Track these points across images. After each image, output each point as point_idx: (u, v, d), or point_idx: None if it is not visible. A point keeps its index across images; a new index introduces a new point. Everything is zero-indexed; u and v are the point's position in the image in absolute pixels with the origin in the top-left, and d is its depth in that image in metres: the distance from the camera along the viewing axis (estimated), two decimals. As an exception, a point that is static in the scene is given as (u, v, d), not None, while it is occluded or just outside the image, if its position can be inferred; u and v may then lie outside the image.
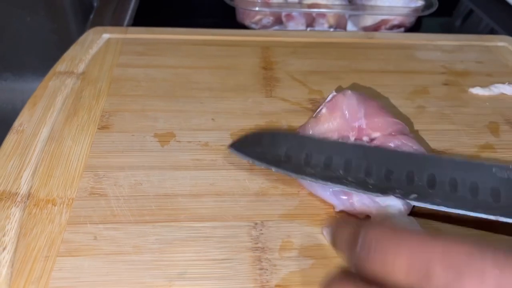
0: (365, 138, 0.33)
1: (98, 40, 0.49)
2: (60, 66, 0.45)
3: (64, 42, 0.65)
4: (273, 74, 0.46)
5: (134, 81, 0.43)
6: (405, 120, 0.40)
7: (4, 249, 0.28)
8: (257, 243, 0.29)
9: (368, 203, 0.30)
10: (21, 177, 0.33)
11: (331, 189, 0.31)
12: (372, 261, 0.20)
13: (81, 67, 0.45)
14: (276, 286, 0.27)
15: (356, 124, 0.33)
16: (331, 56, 0.49)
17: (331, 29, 0.57)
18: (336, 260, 0.28)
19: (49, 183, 0.33)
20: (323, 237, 0.30)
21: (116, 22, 0.58)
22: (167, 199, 0.32)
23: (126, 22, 0.58)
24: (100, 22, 0.58)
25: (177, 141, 0.37)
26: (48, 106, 0.40)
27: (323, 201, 0.32)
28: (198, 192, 0.33)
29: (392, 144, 0.32)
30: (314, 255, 0.29)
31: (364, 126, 0.33)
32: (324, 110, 0.32)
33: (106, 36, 0.50)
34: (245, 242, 0.29)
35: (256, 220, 0.31)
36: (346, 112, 0.32)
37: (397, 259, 0.19)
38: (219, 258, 0.28)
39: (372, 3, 0.57)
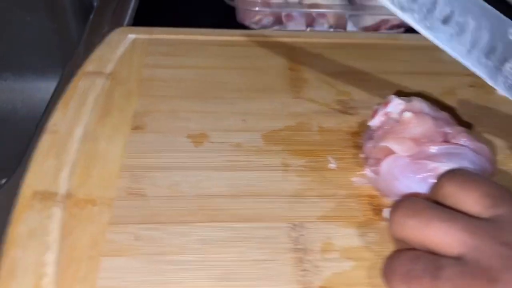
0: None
1: (124, 41, 0.49)
2: (89, 66, 0.45)
3: (64, 42, 0.68)
4: (300, 75, 0.46)
5: (163, 81, 0.44)
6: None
7: (48, 248, 0.29)
8: (298, 244, 0.30)
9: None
10: (59, 177, 0.33)
11: (421, 175, 0.31)
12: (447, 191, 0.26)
13: (109, 67, 0.45)
14: (320, 287, 0.27)
15: (442, 130, 0.33)
16: (357, 57, 0.49)
17: (331, 29, 0.57)
18: (377, 262, 0.29)
19: (87, 183, 0.33)
20: (363, 239, 0.30)
21: (116, 22, 0.57)
22: (206, 200, 0.32)
23: (126, 22, 0.57)
24: (100, 22, 0.58)
25: (210, 142, 0.37)
26: (80, 106, 0.40)
27: (360, 202, 0.32)
28: (235, 193, 0.33)
29: (470, 146, 0.32)
30: (355, 256, 0.29)
31: (449, 131, 0.33)
32: (409, 115, 0.33)
33: (131, 36, 0.50)
34: (285, 243, 0.30)
35: (295, 221, 0.31)
36: (433, 119, 0.33)
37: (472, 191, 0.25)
38: (261, 258, 0.29)
39: (372, 3, 0.57)
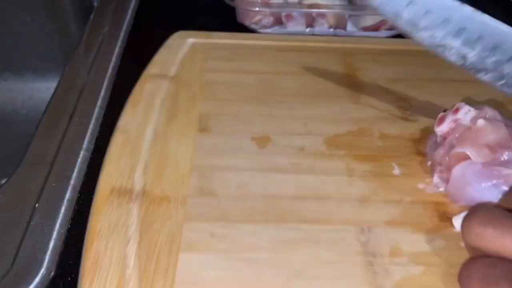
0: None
1: (183, 45, 0.51)
2: (153, 69, 0.47)
3: (64, 42, 0.67)
4: (357, 81, 0.47)
5: (224, 85, 0.45)
6: None
7: (128, 242, 0.30)
8: (367, 247, 0.30)
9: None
10: (134, 175, 0.35)
11: (494, 181, 0.31)
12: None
13: (172, 71, 0.47)
14: (391, 289, 0.28)
15: None
16: (413, 63, 0.49)
17: (331, 29, 0.57)
18: (446, 267, 0.29)
19: (161, 181, 0.35)
20: (431, 245, 0.31)
21: (116, 22, 0.57)
22: (274, 201, 0.33)
23: (126, 22, 0.57)
24: (100, 22, 0.57)
25: (274, 145, 0.38)
26: (148, 107, 0.42)
27: (426, 209, 0.33)
28: (302, 195, 0.34)
29: None
30: (424, 261, 0.30)
31: None
32: (483, 122, 0.33)
33: (191, 40, 0.52)
34: (354, 246, 0.30)
35: (363, 225, 0.32)
36: (507, 127, 0.33)
37: None
38: (332, 260, 0.30)
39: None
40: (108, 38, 0.54)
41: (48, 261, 0.30)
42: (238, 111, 0.42)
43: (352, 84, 0.46)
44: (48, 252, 0.31)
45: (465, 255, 0.30)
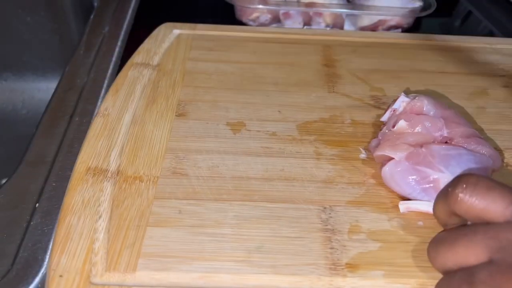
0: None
1: (169, 35, 0.53)
2: (137, 57, 0.49)
3: (64, 42, 0.68)
4: (335, 71, 0.48)
5: (205, 74, 0.47)
6: (469, 119, 0.41)
7: (100, 217, 0.32)
8: (327, 225, 0.32)
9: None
10: (110, 155, 0.37)
11: (422, 186, 0.32)
12: (472, 203, 0.25)
13: (155, 60, 0.48)
14: (346, 264, 0.29)
15: (438, 134, 0.35)
16: (391, 56, 0.50)
17: (328, 28, 0.58)
18: (403, 244, 0.30)
19: (135, 162, 0.36)
20: (389, 223, 0.32)
21: (116, 22, 0.58)
22: (242, 181, 0.35)
23: (126, 22, 0.58)
24: (100, 22, 0.58)
25: (247, 130, 0.40)
26: (129, 93, 0.43)
27: (389, 190, 0.34)
28: (269, 177, 0.35)
29: (466, 146, 0.33)
30: (381, 239, 0.31)
31: (446, 135, 0.34)
32: (403, 123, 0.34)
33: (176, 31, 0.53)
34: (315, 224, 0.32)
35: (325, 204, 0.33)
36: (428, 124, 0.34)
37: (496, 198, 0.25)
38: (292, 236, 0.31)
39: (370, 3, 0.57)
40: (108, 38, 0.55)
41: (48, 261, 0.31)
42: (216, 98, 0.43)
43: (330, 74, 0.47)
44: (48, 252, 0.32)
45: (421, 234, 0.31)
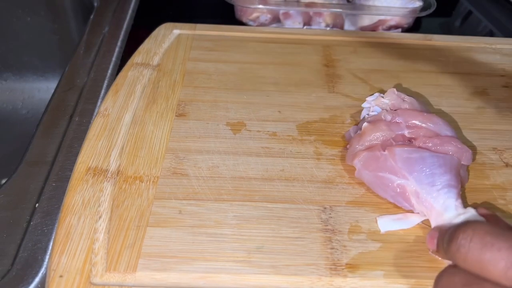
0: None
1: (169, 35, 0.53)
2: (137, 58, 0.49)
3: (64, 42, 0.67)
4: (335, 71, 0.48)
5: (206, 74, 0.47)
6: (469, 119, 0.41)
7: (100, 217, 0.32)
8: (327, 225, 0.32)
9: (426, 205, 0.31)
10: (110, 155, 0.37)
11: (388, 194, 0.33)
12: (469, 260, 0.23)
13: (155, 60, 0.48)
14: (346, 264, 0.29)
15: (399, 133, 0.35)
16: (391, 56, 0.50)
17: (328, 28, 0.58)
18: (403, 244, 0.30)
19: (135, 162, 0.36)
20: (389, 223, 0.32)
21: (116, 22, 0.58)
22: (242, 181, 0.35)
23: (126, 22, 0.58)
24: (100, 22, 0.58)
25: (247, 130, 0.40)
26: (129, 93, 0.43)
27: (388, 191, 0.34)
28: (270, 177, 0.35)
29: (430, 145, 0.33)
30: (381, 239, 0.31)
31: (407, 135, 0.35)
32: (366, 125, 0.35)
33: (176, 31, 0.53)
34: (315, 224, 0.32)
35: (325, 204, 0.33)
36: (387, 126, 0.35)
37: (494, 256, 0.22)
38: (292, 236, 0.31)
39: (370, 3, 0.57)
40: (108, 38, 0.55)
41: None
42: (216, 98, 0.43)
43: (330, 74, 0.47)
44: (48, 252, 0.31)
45: (421, 234, 0.31)
